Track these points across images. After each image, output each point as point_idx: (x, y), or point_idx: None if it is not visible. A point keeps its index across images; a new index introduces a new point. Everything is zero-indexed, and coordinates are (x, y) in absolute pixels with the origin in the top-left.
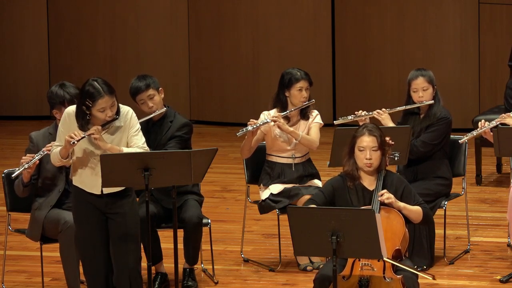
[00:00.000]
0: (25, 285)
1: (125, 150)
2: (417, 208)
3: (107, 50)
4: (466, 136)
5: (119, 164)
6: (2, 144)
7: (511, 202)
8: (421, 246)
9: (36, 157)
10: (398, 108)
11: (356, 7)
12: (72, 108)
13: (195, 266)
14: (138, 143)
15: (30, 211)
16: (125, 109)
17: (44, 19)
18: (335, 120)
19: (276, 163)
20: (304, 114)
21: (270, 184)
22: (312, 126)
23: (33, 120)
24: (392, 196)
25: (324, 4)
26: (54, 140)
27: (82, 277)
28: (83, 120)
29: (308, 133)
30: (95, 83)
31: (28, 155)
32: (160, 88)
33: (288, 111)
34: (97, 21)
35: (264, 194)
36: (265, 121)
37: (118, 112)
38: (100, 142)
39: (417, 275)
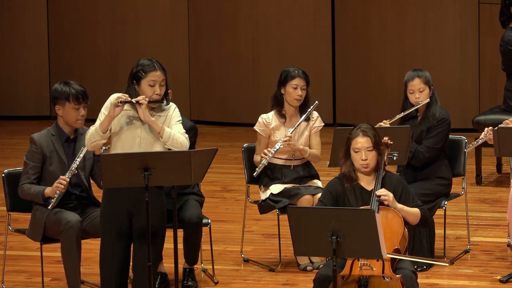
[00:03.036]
0: (25, 285)
1: (167, 129)
2: (415, 210)
3: (107, 50)
4: (472, 144)
5: (119, 164)
6: (2, 144)
7: (511, 202)
8: (421, 246)
9: (68, 176)
10: (397, 116)
11: (356, 7)
12: (117, 94)
13: (195, 266)
14: (179, 130)
15: (31, 211)
16: (171, 103)
17: (44, 19)
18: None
19: (276, 164)
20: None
21: (270, 185)
22: (313, 134)
23: (33, 120)
24: (390, 194)
25: (324, 4)
26: (57, 141)
27: (83, 277)
28: (131, 92)
29: (310, 141)
30: (150, 59)
31: (61, 177)
32: (169, 90)
33: (295, 125)
34: (97, 21)
35: (265, 195)
36: (277, 147)
37: (167, 99)
38: (144, 111)
39: (416, 274)
